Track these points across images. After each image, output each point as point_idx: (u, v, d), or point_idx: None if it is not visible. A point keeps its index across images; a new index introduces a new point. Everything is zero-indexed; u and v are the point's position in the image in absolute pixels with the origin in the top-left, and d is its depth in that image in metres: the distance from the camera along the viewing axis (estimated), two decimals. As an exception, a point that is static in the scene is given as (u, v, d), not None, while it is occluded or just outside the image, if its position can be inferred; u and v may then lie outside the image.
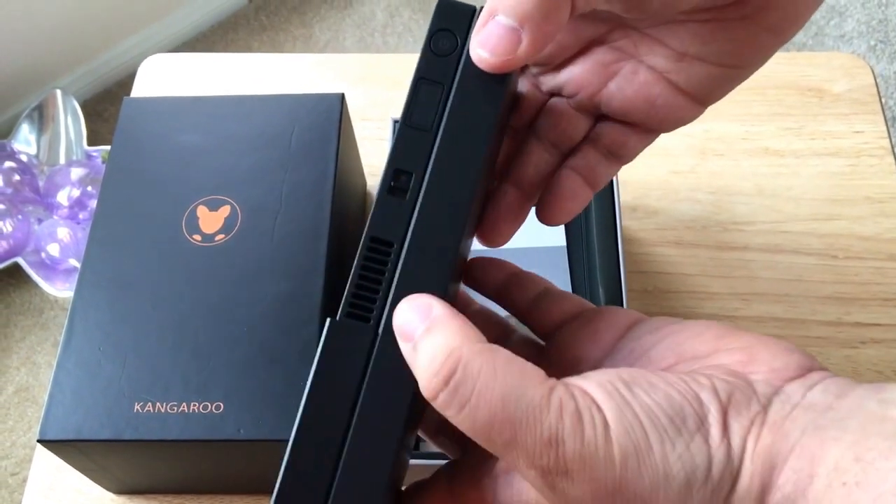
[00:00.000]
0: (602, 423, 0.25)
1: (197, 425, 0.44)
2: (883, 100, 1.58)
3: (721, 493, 0.25)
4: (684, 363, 0.29)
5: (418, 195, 0.30)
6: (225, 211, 0.51)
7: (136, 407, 0.45)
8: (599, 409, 0.25)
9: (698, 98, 0.32)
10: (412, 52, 1.75)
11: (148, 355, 0.47)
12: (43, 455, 0.55)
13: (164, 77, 0.71)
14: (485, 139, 0.30)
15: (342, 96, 0.56)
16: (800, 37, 1.69)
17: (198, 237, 0.50)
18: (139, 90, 0.70)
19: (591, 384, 0.26)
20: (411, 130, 0.30)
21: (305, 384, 0.32)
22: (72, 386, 0.46)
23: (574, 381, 0.26)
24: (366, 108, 0.68)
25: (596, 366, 0.31)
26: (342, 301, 0.29)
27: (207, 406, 0.45)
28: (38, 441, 0.45)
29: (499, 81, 0.30)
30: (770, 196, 0.61)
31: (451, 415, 0.26)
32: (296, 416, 0.33)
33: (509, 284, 0.36)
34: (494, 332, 0.36)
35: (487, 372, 0.25)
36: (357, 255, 0.30)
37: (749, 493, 0.24)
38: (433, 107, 0.30)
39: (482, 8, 0.29)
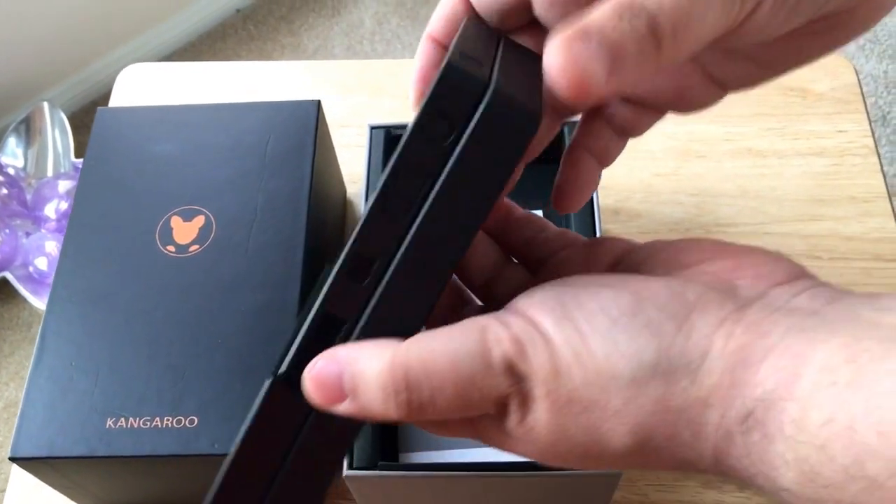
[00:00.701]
0: (543, 341, 0.25)
1: (171, 440, 0.44)
2: (872, 99, 1.57)
3: (676, 388, 0.24)
4: (673, 275, 0.28)
5: (380, 280, 0.27)
6: (199, 221, 0.51)
7: (109, 422, 0.44)
8: (538, 327, 0.25)
9: (729, 87, 0.32)
10: (398, 59, 1.75)
11: (121, 369, 0.46)
12: (20, 472, 0.54)
13: (142, 87, 0.70)
14: (468, 235, 0.26)
15: (318, 103, 0.55)
16: (788, 37, 1.69)
17: (172, 248, 0.50)
18: (117, 100, 0.69)
19: (529, 303, 0.26)
20: (383, 216, 0.26)
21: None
22: (44, 402, 0.45)
23: (511, 307, 0.27)
24: (346, 116, 0.68)
25: None
26: (283, 361, 0.27)
27: (181, 420, 0.44)
28: (10, 458, 0.44)
29: (505, 167, 0.25)
30: (753, 197, 0.61)
31: (432, 424, 0.27)
32: None
33: (508, 223, 0.34)
34: (450, 298, 0.34)
35: (426, 355, 0.25)
36: (304, 322, 0.27)
37: (716, 390, 0.23)
38: (414, 196, 0.26)
39: (495, 89, 0.25)
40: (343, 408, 0.26)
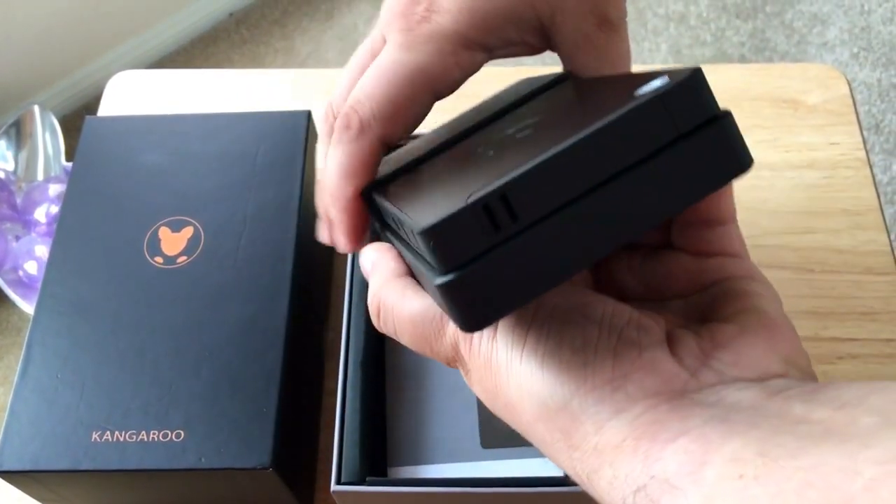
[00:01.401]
0: (490, 334, 0.28)
1: (157, 454, 0.43)
2: (865, 107, 1.58)
3: (580, 429, 0.24)
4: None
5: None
6: (188, 232, 0.50)
7: (95, 436, 0.44)
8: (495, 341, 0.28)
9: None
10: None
11: (107, 382, 0.45)
12: (4, 484, 0.53)
13: (133, 94, 0.70)
14: (630, 234, 0.24)
15: (308, 113, 0.55)
16: (782, 44, 1.69)
17: (159, 259, 0.49)
18: (107, 107, 0.69)
19: None
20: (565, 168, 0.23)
21: (269, 411, 0.36)
22: (28, 415, 0.45)
23: None
24: (337, 124, 0.67)
25: None
26: None
27: (168, 434, 0.44)
28: (-6, 473, 0.44)
29: (701, 188, 0.23)
30: (746, 209, 0.61)
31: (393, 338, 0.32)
32: (258, 445, 0.39)
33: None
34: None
35: (396, 302, 0.30)
36: None
37: (617, 450, 0.23)
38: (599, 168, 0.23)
39: (730, 117, 0.24)
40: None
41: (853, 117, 0.64)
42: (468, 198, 0.22)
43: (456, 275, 0.22)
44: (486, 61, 0.34)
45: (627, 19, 0.35)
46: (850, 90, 0.66)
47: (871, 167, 0.62)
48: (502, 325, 0.27)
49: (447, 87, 0.34)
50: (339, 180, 0.33)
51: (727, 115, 0.23)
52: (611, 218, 0.23)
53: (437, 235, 0.22)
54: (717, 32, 1.73)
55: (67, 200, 0.52)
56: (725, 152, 0.23)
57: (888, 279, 0.57)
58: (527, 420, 0.26)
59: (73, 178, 0.53)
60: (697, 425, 0.22)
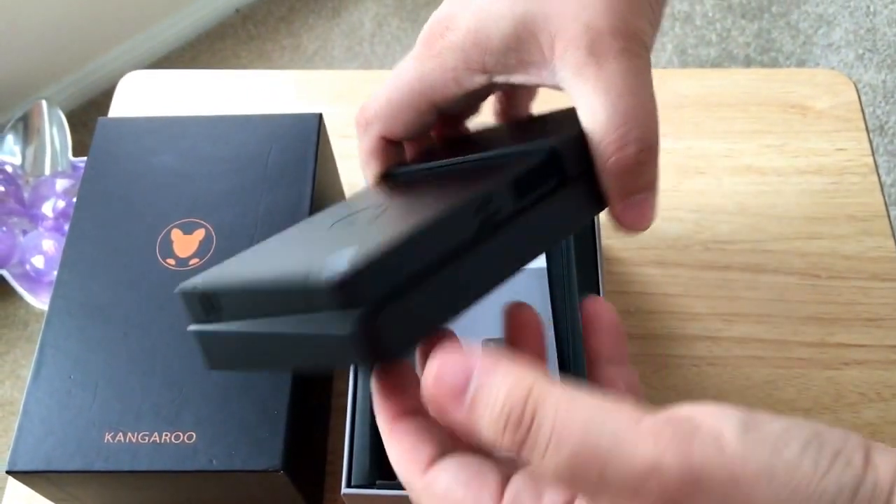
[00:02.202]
0: (716, 438, 0.22)
1: (168, 456, 0.44)
2: (870, 108, 1.58)
3: None
4: None
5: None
6: (199, 234, 0.51)
7: (107, 437, 0.44)
8: (713, 428, 0.22)
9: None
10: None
11: (119, 383, 0.46)
12: (16, 484, 0.54)
13: (142, 94, 0.70)
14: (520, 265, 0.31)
15: (320, 116, 0.55)
16: (788, 46, 1.69)
17: (171, 261, 0.50)
18: (117, 108, 0.69)
19: (701, 410, 0.23)
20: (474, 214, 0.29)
21: (280, 413, 0.37)
22: (41, 415, 0.45)
23: (675, 409, 0.24)
24: (347, 126, 0.67)
25: None
26: None
27: (179, 436, 0.44)
28: (7, 472, 0.44)
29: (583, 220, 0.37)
30: (752, 215, 0.61)
31: (527, 457, 0.23)
32: (269, 447, 0.40)
33: None
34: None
35: (564, 404, 0.23)
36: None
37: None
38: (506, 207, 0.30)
39: None
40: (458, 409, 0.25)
41: (861, 123, 0.65)
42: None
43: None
44: (487, 84, 0.36)
45: None
46: (859, 96, 0.66)
47: (878, 173, 0.62)
48: (725, 417, 0.23)
49: (445, 100, 0.37)
50: (361, 167, 0.40)
51: None
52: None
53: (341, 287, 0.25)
54: (722, 32, 1.73)
55: (80, 202, 0.52)
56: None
57: (894, 285, 0.57)
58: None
59: (85, 180, 0.53)
60: None
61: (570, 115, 0.34)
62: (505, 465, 0.27)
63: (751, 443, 0.22)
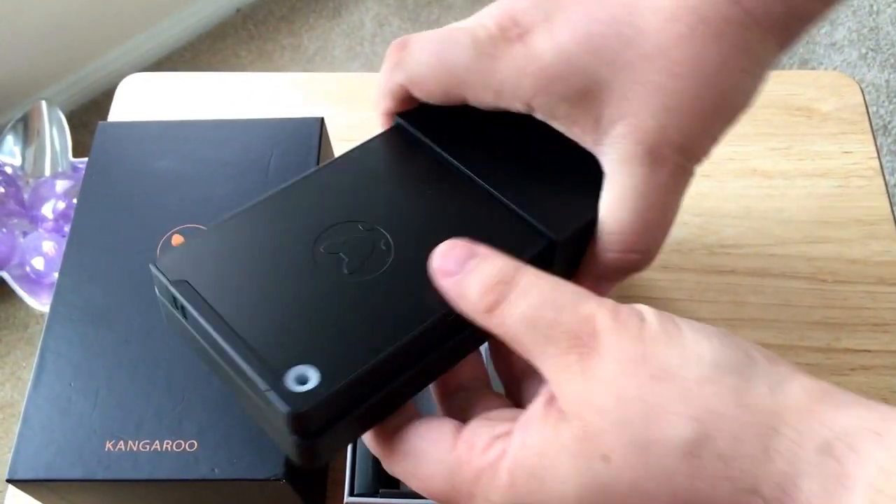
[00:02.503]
0: (639, 312, 0.27)
1: (170, 464, 0.43)
2: (874, 108, 1.57)
3: (753, 389, 0.25)
4: None
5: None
6: (201, 240, 0.50)
7: (108, 445, 0.44)
8: (639, 309, 0.28)
9: None
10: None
11: (120, 391, 0.45)
12: (15, 492, 0.53)
13: (142, 97, 0.70)
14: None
15: (321, 120, 0.55)
16: (790, 45, 1.69)
17: (173, 267, 0.49)
18: (117, 111, 0.69)
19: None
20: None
21: None
22: (42, 423, 0.45)
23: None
24: (349, 129, 0.67)
25: None
26: None
27: (181, 444, 0.44)
28: (7, 481, 0.44)
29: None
30: (758, 218, 0.61)
31: (499, 313, 0.28)
32: (271, 455, 0.41)
33: None
34: None
35: (542, 278, 0.29)
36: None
37: (794, 411, 0.24)
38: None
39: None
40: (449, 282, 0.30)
41: (866, 125, 0.64)
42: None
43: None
44: (525, 112, 0.34)
45: None
46: (864, 98, 0.66)
47: (884, 176, 0.62)
48: (649, 309, 0.28)
49: (477, 101, 0.34)
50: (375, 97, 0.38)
51: None
52: None
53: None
54: (725, 32, 1.72)
55: (80, 207, 0.52)
56: None
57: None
58: (687, 385, 0.25)
59: (85, 185, 0.53)
60: (862, 400, 0.24)
61: (591, 174, 0.33)
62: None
63: (667, 323, 0.27)
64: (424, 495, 0.29)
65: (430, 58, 0.34)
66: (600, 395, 0.26)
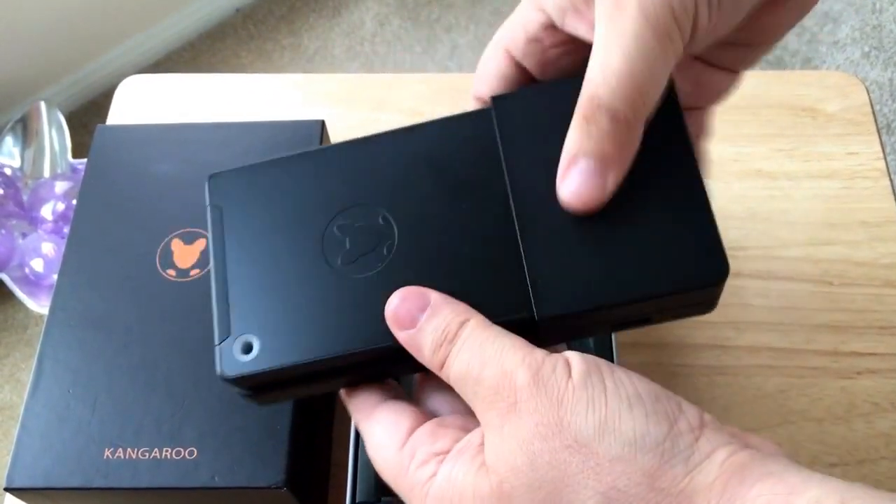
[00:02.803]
0: (565, 368, 0.27)
1: (169, 472, 0.43)
2: (877, 107, 1.57)
3: (668, 470, 0.25)
4: None
5: None
6: (200, 244, 0.50)
7: (107, 453, 0.43)
8: (567, 363, 0.28)
9: (737, 69, 0.36)
10: (399, 65, 1.73)
11: (119, 397, 0.45)
12: (13, 500, 0.53)
13: (142, 99, 0.69)
14: None
15: (322, 123, 0.54)
16: (793, 43, 1.68)
17: (172, 272, 0.49)
18: (116, 113, 0.68)
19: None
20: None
21: (282, 428, 0.41)
22: (40, 430, 0.44)
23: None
24: (349, 131, 0.66)
25: None
26: None
27: (180, 452, 0.43)
28: (5, 489, 0.44)
29: None
30: (763, 220, 0.60)
31: (445, 371, 0.30)
32: (272, 462, 0.42)
33: None
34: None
35: (485, 332, 0.29)
36: None
37: (707, 490, 0.24)
38: None
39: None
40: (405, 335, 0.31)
41: (872, 126, 0.64)
42: None
43: None
44: (546, 25, 0.33)
45: None
46: (870, 98, 0.65)
47: (890, 177, 0.61)
48: (579, 365, 0.27)
49: (515, 46, 0.34)
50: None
51: None
52: None
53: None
54: (726, 30, 1.71)
55: (78, 211, 0.51)
56: None
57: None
58: (599, 461, 0.25)
59: (84, 188, 0.52)
60: (778, 471, 0.24)
61: (630, 270, 0.31)
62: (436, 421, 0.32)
63: (585, 376, 0.27)
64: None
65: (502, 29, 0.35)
66: (515, 455, 0.27)
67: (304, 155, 0.35)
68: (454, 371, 0.29)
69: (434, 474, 0.29)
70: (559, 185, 0.31)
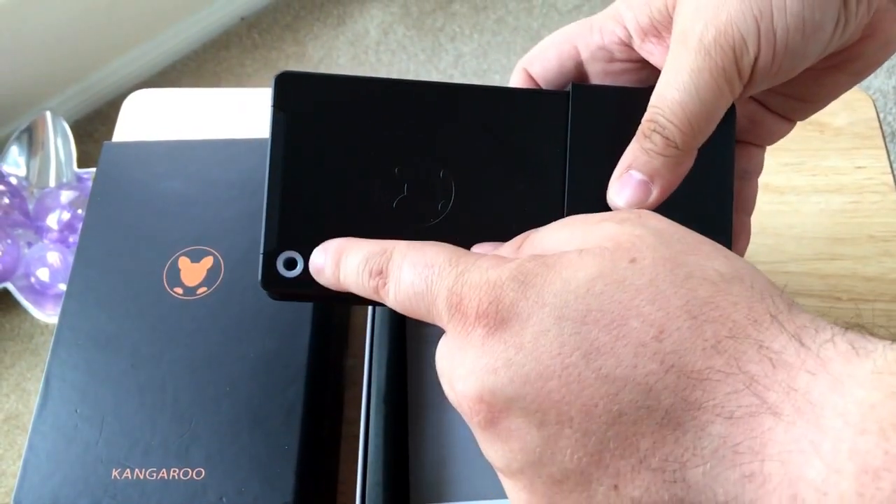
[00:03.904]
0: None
1: (177, 493, 0.43)
2: (882, 115, 1.56)
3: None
4: None
5: None
6: (208, 262, 0.49)
7: (115, 473, 0.43)
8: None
9: (792, 118, 0.39)
10: (403, 73, 1.73)
11: (126, 418, 0.45)
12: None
13: (148, 113, 0.69)
14: None
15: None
16: (797, 51, 1.68)
17: (179, 290, 0.49)
18: (122, 127, 0.68)
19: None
20: None
21: (291, 447, 0.42)
22: (47, 450, 0.44)
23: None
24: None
25: None
26: None
27: (188, 472, 0.43)
28: (12, 509, 0.43)
29: None
30: (771, 235, 0.60)
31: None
32: (280, 482, 0.42)
33: None
34: None
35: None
36: None
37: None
38: None
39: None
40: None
41: (880, 141, 0.63)
42: None
43: None
44: (624, 41, 0.35)
45: None
46: (877, 112, 0.65)
47: (898, 191, 0.61)
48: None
49: (586, 46, 0.36)
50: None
51: None
52: None
53: None
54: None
55: (85, 229, 0.51)
56: None
57: (917, 310, 0.56)
58: (720, 294, 0.25)
59: (91, 206, 0.52)
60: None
61: None
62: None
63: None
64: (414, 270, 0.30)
65: (551, 35, 0.38)
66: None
67: (383, 82, 0.35)
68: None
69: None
70: (611, 186, 0.33)
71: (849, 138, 0.63)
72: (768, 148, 0.63)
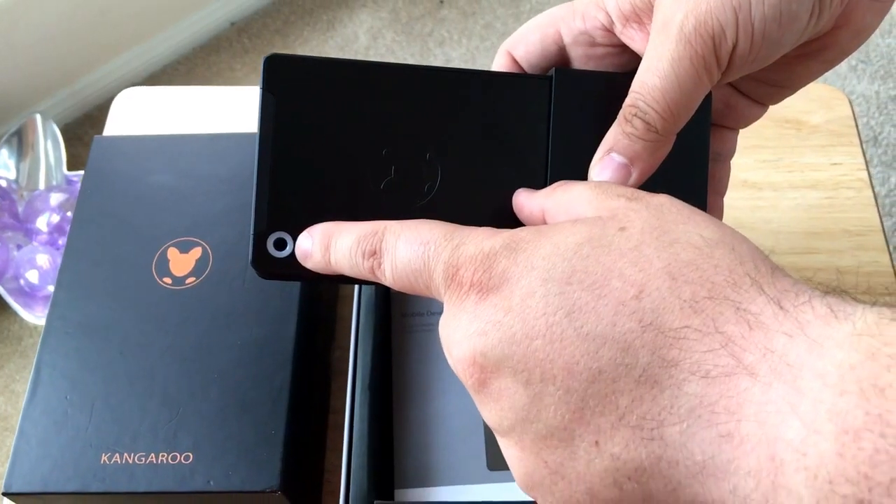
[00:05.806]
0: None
1: (166, 477, 0.43)
2: (864, 119, 1.58)
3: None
4: None
5: None
6: (196, 253, 0.50)
7: (104, 458, 0.44)
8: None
9: (765, 103, 0.39)
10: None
11: (116, 404, 0.46)
12: None
13: (138, 111, 0.70)
14: None
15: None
16: (781, 57, 1.70)
17: (168, 280, 0.49)
18: (113, 124, 0.69)
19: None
20: None
21: (277, 433, 0.41)
22: (38, 436, 0.45)
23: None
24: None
25: None
26: None
27: (176, 456, 0.44)
28: (3, 493, 0.44)
29: None
30: (748, 229, 0.61)
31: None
32: (267, 467, 0.42)
33: None
34: None
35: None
36: None
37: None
38: None
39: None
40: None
41: (855, 138, 0.65)
42: None
43: None
44: (607, 26, 0.36)
45: None
46: (853, 110, 0.67)
47: (872, 187, 0.63)
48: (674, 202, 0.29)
49: (569, 31, 0.37)
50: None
51: None
52: None
53: None
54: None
55: (76, 221, 0.52)
56: None
57: (890, 300, 0.57)
58: (702, 258, 0.26)
59: (81, 198, 0.53)
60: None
61: None
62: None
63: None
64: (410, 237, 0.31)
65: (534, 18, 0.39)
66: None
67: (371, 65, 0.35)
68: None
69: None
70: (592, 168, 0.34)
71: (825, 136, 0.65)
72: (746, 146, 0.65)
